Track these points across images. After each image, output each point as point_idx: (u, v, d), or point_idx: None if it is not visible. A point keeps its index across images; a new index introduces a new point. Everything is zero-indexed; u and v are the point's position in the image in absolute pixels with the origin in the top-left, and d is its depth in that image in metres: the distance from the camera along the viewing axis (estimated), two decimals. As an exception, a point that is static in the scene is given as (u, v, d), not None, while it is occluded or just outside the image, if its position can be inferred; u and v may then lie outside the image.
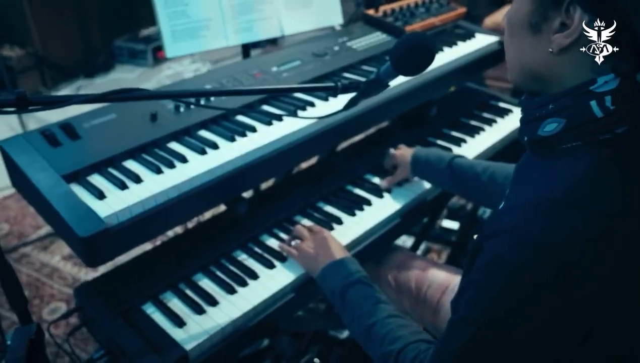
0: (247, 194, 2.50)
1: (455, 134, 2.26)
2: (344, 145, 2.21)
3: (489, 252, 0.93)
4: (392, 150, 1.97)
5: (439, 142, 2.19)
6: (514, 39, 1.01)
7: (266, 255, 1.65)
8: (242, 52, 2.23)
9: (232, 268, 1.62)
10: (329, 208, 1.85)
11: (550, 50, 0.94)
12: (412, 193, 1.88)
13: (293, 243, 1.66)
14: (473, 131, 2.26)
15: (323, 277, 1.44)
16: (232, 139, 1.64)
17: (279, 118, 1.73)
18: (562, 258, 0.86)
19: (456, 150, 2.13)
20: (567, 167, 0.93)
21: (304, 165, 2.19)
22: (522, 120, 1.04)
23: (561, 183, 0.90)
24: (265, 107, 1.82)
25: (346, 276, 1.39)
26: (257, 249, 1.68)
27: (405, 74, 1.28)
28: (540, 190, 0.91)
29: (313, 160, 2.50)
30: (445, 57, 2.17)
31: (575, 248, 0.86)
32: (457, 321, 0.96)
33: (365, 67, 2.07)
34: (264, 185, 2.25)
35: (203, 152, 1.58)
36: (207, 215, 2.16)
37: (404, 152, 1.91)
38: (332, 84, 1.35)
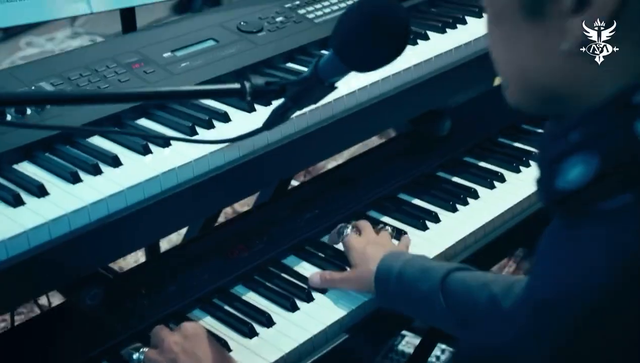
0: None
1: (485, 165, 1.45)
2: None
3: None
4: (346, 229, 1.19)
5: (456, 179, 1.42)
6: (503, 33, 0.69)
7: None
8: (122, 22, 1.46)
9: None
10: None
11: (563, 45, 0.63)
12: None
13: (135, 356, 1.00)
14: (517, 160, 1.44)
15: None
16: (74, 179, 0.99)
17: (163, 141, 1.07)
18: None
19: (488, 196, 1.35)
20: (609, 240, 0.62)
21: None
22: (538, 166, 0.70)
23: (597, 272, 0.61)
24: (143, 122, 1.15)
25: None
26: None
27: (361, 68, 0.88)
28: (562, 284, 0.63)
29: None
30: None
31: None
32: None
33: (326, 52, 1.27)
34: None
35: (18, 202, 0.94)
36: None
37: (365, 245, 1.14)
38: (236, 86, 0.86)
